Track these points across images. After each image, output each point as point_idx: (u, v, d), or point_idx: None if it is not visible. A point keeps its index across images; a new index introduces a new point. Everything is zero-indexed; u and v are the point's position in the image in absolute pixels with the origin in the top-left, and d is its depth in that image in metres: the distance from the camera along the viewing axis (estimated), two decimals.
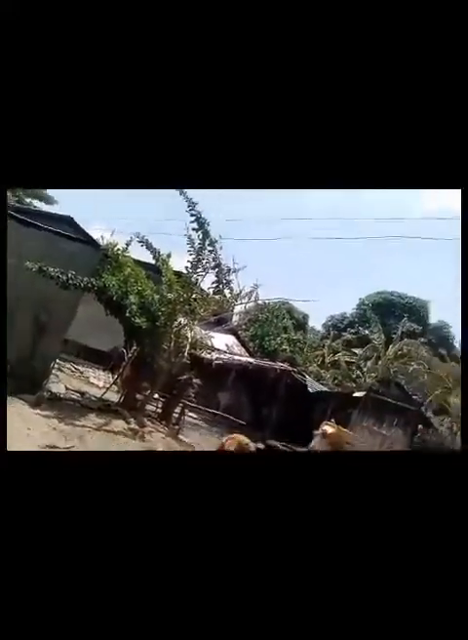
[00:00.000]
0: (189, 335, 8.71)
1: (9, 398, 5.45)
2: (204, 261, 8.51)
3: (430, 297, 23.98)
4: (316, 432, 7.56)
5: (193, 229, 8.26)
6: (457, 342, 18.19)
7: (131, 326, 7.90)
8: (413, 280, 29.08)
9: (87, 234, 8.94)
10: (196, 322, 9.02)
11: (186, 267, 8.52)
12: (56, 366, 8.38)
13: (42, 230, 7.77)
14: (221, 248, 8.54)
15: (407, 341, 18.72)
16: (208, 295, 9.00)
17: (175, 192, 7.75)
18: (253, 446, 7.77)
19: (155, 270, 8.67)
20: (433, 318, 24.00)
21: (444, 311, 26.61)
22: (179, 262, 8.92)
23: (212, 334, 11.61)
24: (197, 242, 8.37)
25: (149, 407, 8.69)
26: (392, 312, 22.56)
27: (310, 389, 12.98)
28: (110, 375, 10.09)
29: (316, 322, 24.49)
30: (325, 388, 14.46)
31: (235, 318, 17.28)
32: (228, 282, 8.94)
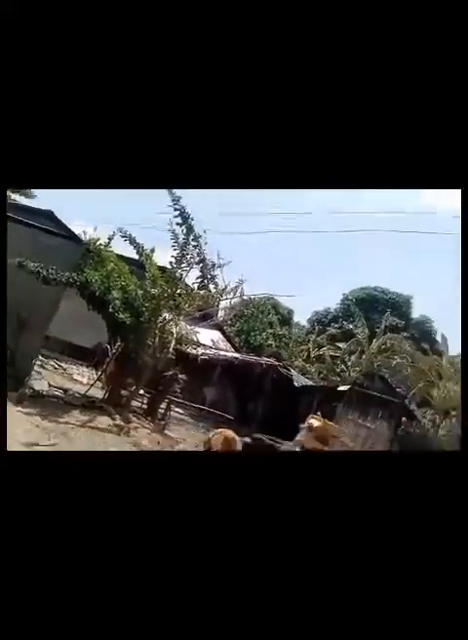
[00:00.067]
0: (174, 330, 8.66)
1: None
2: (188, 256, 8.45)
3: (413, 291, 24.40)
4: (302, 426, 7.63)
5: (177, 224, 8.19)
6: (439, 337, 18.54)
7: (114, 322, 7.80)
8: (397, 275, 29.54)
9: (68, 229, 8.77)
10: (181, 317, 8.96)
11: (170, 262, 8.45)
12: (38, 363, 8.22)
13: (22, 224, 7.59)
14: (206, 243, 8.51)
15: (390, 336, 18.99)
16: (192, 290, 8.95)
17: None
18: (239, 440, 7.81)
19: (139, 265, 8.58)
20: (415, 313, 24.45)
21: (426, 306, 27.14)
22: (163, 258, 8.85)
23: (197, 329, 11.56)
24: (181, 237, 8.31)
25: (135, 403, 8.61)
26: (375, 307, 22.84)
27: (296, 384, 13.07)
28: (94, 371, 9.95)
29: (301, 317, 24.68)
30: (310, 382, 14.57)
31: (221, 313, 17.24)
32: (213, 277, 8.91)
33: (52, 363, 9.91)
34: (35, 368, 7.90)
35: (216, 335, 15.02)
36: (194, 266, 8.61)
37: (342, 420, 10.60)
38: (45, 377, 8.34)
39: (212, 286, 9.07)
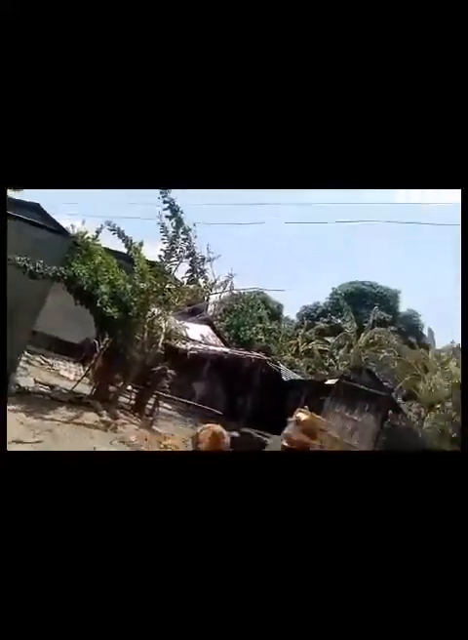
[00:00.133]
0: (163, 325, 8.61)
1: None
2: (177, 250, 8.39)
3: (400, 284, 24.66)
4: (290, 419, 7.69)
5: (166, 217, 8.11)
6: (426, 330, 18.80)
7: (102, 316, 7.72)
8: (386, 268, 29.76)
9: (55, 222, 8.63)
10: (170, 312, 8.91)
11: (160, 256, 8.38)
12: (24, 359, 8.10)
13: (7, 217, 7.43)
14: (195, 236, 8.45)
15: (377, 330, 19.18)
16: (182, 284, 8.90)
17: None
18: (227, 435, 7.84)
19: (127, 259, 8.49)
20: (403, 307, 24.74)
21: (413, 300, 27.46)
22: (152, 251, 8.77)
23: (186, 324, 11.52)
24: (170, 230, 8.24)
25: (122, 399, 8.56)
26: (363, 302, 23.03)
27: (284, 378, 13.14)
28: (81, 367, 9.86)
29: (290, 312, 24.78)
30: (299, 377, 14.66)
31: (210, 308, 17.21)
32: (203, 271, 8.87)
33: (38, 359, 9.78)
34: (21, 364, 7.78)
35: (206, 330, 14.99)
36: (183, 260, 8.56)
37: (330, 413, 10.71)
38: (31, 373, 8.23)
39: (201, 280, 9.04)
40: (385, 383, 11.81)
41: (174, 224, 8.17)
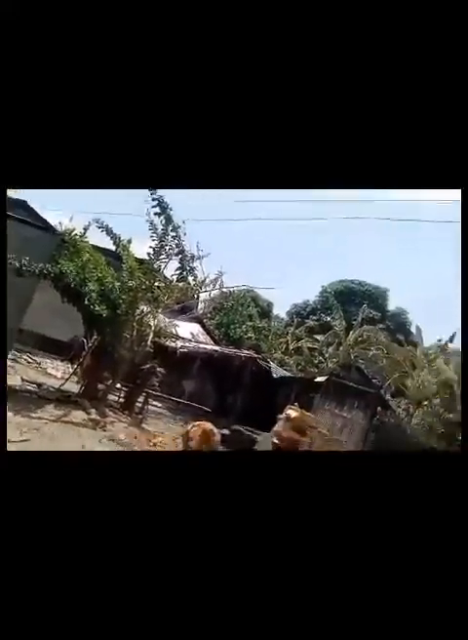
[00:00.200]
0: (152, 323, 8.56)
1: None
2: (167, 248, 8.34)
3: (389, 283, 24.89)
4: (280, 416, 7.71)
5: (155, 214, 8.06)
6: (414, 328, 19.00)
7: (90, 314, 7.65)
8: (374, 265, 29.98)
9: (42, 219, 8.52)
10: (159, 310, 8.87)
11: (148, 254, 8.33)
12: (10, 357, 7.98)
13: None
14: (185, 234, 8.41)
15: (366, 328, 19.35)
16: (171, 282, 8.85)
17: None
18: (218, 433, 7.82)
19: (115, 257, 8.41)
20: (391, 305, 24.98)
21: (401, 298, 27.76)
22: (141, 249, 8.71)
23: (176, 322, 11.48)
24: (159, 227, 8.19)
25: (111, 397, 8.49)
26: (352, 300, 23.20)
27: (274, 375, 13.17)
28: (70, 365, 9.75)
29: (280, 310, 24.84)
30: (288, 374, 14.72)
31: (200, 306, 17.17)
32: (192, 269, 8.84)
33: (25, 357, 9.65)
34: (7, 362, 7.67)
35: (196, 328, 14.95)
36: (173, 258, 8.52)
37: (319, 410, 10.77)
38: (18, 371, 8.12)
39: (191, 278, 9.01)
40: (374, 381, 11.92)
41: (163, 222, 8.13)
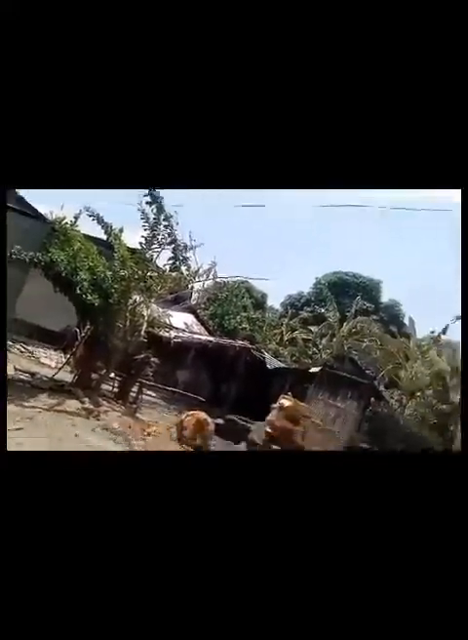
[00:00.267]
0: (145, 313, 8.51)
1: None
2: (159, 237, 8.27)
3: (383, 274, 24.94)
4: (273, 406, 7.75)
5: (147, 203, 7.98)
6: (407, 320, 19.10)
7: (82, 304, 7.59)
8: (366, 256, 29.95)
9: (32, 207, 8.41)
10: (152, 300, 8.81)
11: (140, 243, 8.25)
12: None
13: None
14: (177, 223, 8.34)
15: (360, 319, 19.45)
16: (164, 272, 8.79)
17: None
18: (212, 422, 7.84)
19: (107, 246, 8.33)
20: (385, 297, 25.08)
21: (395, 289, 27.85)
22: (133, 239, 8.63)
23: (170, 312, 11.43)
24: (151, 217, 8.10)
25: (105, 386, 8.47)
26: (346, 291, 23.27)
27: (269, 366, 13.21)
28: (63, 355, 9.70)
29: (275, 301, 24.84)
30: (283, 365, 14.76)
31: (194, 296, 17.11)
32: (185, 259, 8.78)
33: (18, 347, 9.59)
34: None
35: (190, 318, 14.92)
36: (165, 247, 8.45)
37: (313, 400, 10.83)
38: (11, 360, 8.06)
39: (184, 268, 8.95)
40: (367, 371, 11.99)
41: (154, 211, 8.05)
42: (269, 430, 7.00)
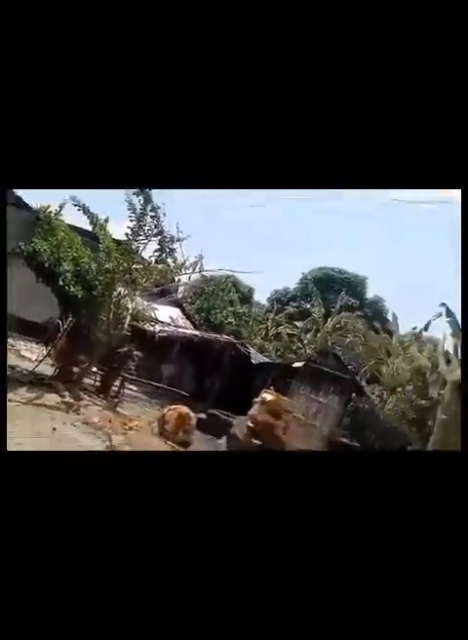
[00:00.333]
0: (130, 306, 8.42)
1: None
2: (146, 228, 8.17)
3: (367, 270, 25.21)
4: (256, 400, 7.79)
5: (133, 193, 7.86)
6: (390, 316, 19.38)
7: (65, 295, 7.46)
8: (354, 253, 30.22)
9: (16, 196, 8.19)
10: (137, 293, 8.71)
11: (126, 234, 8.14)
12: None
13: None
14: (164, 214, 8.25)
15: (344, 315, 19.64)
16: (150, 264, 8.70)
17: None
18: (194, 416, 7.83)
19: (92, 237, 8.19)
20: (370, 293, 25.37)
21: (379, 285, 28.17)
22: (119, 230, 8.50)
23: (155, 306, 11.33)
24: (138, 207, 7.99)
25: (87, 380, 8.38)
26: (331, 287, 23.45)
27: (253, 361, 13.26)
28: (45, 348, 9.54)
29: (261, 296, 24.88)
30: (268, 360, 14.84)
31: (181, 290, 16.99)
32: (172, 251, 8.70)
33: None
34: None
35: (175, 312, 14.82)
36: (152, 239, 8.35)
37: (295, 394, 10.93)
38: None
39: (170, 260, 8.86)
40: (350, 367, 12.16)
41: (141, 202, 7.94)
42: (251, 424, 7.04)
